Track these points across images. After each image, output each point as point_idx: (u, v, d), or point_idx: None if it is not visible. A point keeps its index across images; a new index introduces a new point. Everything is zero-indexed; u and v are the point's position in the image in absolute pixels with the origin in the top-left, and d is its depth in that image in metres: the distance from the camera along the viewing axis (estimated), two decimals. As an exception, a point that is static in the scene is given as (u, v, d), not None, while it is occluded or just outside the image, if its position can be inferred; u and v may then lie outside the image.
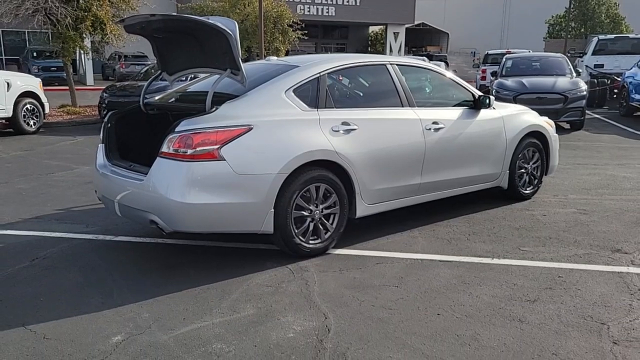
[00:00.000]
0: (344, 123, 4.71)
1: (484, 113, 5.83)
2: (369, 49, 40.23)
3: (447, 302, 3.75)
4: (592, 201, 6.29)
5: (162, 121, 5.29)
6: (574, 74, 12.97)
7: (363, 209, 4.88)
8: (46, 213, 6.11)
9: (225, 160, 4.11)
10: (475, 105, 5.80)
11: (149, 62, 30.27)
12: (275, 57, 5.60)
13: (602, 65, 18.29)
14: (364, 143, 4.78)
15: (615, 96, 16.64)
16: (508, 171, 6.08)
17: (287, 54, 20.36)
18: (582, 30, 35.66)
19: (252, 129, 4.24)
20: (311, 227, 4.57)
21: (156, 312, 3.65)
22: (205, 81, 5.55)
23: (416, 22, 41.02)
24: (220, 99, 4.38)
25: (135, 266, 4.53)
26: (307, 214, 4.53)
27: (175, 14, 4.69)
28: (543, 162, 6.49)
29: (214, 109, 4.27)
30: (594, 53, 18.84)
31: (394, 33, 37.49)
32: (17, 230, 5.50)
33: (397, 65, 5.37)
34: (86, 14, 14.95)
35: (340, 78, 5.24)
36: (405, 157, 5.11)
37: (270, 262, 4.49)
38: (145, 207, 4.25)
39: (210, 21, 4.25)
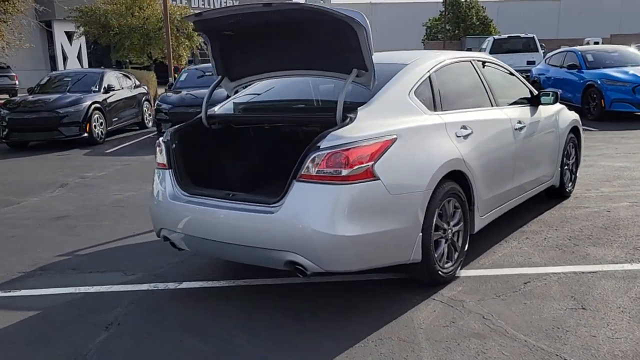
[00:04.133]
0: (463, 127, 4.15)
1: (543, 110, 5.55)
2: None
3: (664, 321, 3.34)
4: (629, 193, 6.28)
5: (232, 136, 4.37)
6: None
7: (478, 222, 4.35)
8: (49, 262, 4.83)
9: (379, 179, 3.37)
10: (533, 101, 5.50)
11: (12, 73, 26.87)
12: None
13: (498, 63, 19.24)
14: (478, 148, 4.26)
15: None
16: (559, 169, 5.88)
17: (190, 62, 19.07)
18: (457, 32, 37.89)
19: (396, 139, 3.53)
20: (445, 250, 3.95)
21: (358, 380, 2.84)
22: (255, 87, 4.65)
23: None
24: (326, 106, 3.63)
25: (245, 317, 3.61)
26: (442, 234, 3.91)
27: (294, 1, 3.78)
28: (578, 157, 6.40)
29: (347, 118, 3.50)
30: (491, 52, 19.81)
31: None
32: (38, 289, 4.24)
33: (477, 61, 4.92)
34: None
35: None
36: (505, 161, 4.68)
37: (406, 294, 3.80)
38: (279, 246, 3.36)
39: (340, 12, 3.47)
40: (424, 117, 3.89)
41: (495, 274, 4.15)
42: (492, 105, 4.75)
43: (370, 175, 3.33)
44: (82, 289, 4.19)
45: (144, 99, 14.91)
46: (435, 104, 4.08)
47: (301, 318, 3.59)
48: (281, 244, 3.35)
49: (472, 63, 4.80)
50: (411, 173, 3.60)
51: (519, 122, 4.94)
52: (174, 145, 4.03)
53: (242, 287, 4.14)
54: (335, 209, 3.26)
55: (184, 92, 12.30)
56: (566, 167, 6.08)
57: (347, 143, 3.31)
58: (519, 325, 3.35)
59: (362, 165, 3.30)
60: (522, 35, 20.51)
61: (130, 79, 14.88)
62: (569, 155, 6.15)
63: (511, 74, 5.48)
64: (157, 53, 16.50)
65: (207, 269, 4.53)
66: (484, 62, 4.99)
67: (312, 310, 3.69)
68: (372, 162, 3.34)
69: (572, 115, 6.22)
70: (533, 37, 20.00)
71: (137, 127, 14.77)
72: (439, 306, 3.65)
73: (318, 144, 3.33)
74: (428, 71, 4.16)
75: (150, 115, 15.22)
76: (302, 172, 3.32)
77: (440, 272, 3.88)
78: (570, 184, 6.25)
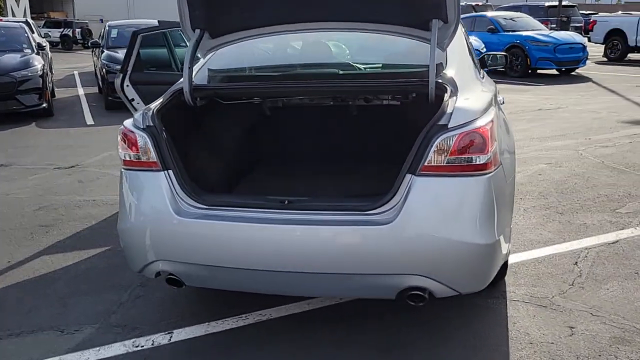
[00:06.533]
0: (498, 94, 3.56)
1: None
2: (-20, 15, 32.91)
3: None
4: (532, 154, 6.41)
5: (232, 116, 3.12)
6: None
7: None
8: None
9: (501, 163, 2.60)
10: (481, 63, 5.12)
11: None
12: None
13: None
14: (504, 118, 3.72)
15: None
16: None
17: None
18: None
19: (494, 111, 2.77)
20: (505, 239, 3.36)
21: None
22: (233, 50, 3.37)
23: (33, -16, 35.37)
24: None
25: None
26: (503, 221, 3.30)
27: None
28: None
29: (448, 88, 2.62)
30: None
31: (14, -5, 31.57)
32: None
33: None
34: None
35: None
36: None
37: (473, 298, 3.14)
38: (395, 268, 2.37)
39: None
40: (487, 85, 3.21)
41: (531, 257, 3.71)
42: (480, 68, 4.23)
43: (497, 160, 2.53)
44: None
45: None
46: (477, 67, 3.40)
47: (387, 352, 2.67)
48: (399, 265, 2.37)
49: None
50: (509, 152, 2.90)
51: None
52: (164, 134, 2.66)
53: (261, 323, 3.00)
54: (477, 210, 2.39)
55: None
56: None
57: (477, 119, 2.45)
58: (637, 318, 2.94)
59: (495, 146, 2.48)
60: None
61: None
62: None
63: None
64: None
65: (182, 304, 3.24)
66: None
67: (382, 340, 2.79)
68: (496, 143, 2.55)
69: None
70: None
71: None
72: (530, 308, 3.05)
73: (442, 123, 2.40)
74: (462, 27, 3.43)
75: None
76: (425, 163, 2.37)
77: (506, 265, 3.28)
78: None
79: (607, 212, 4.50)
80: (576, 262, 3.61)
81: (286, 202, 2.52)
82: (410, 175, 2.37)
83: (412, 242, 2.34)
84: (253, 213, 2.52)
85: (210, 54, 3.26)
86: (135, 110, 4.58)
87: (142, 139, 2.65)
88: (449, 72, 2.78)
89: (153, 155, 2.61)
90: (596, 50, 18.23)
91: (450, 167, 2.36)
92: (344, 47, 3.66)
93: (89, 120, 9.38)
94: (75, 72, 17.05)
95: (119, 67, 10.15)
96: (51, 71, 14.61)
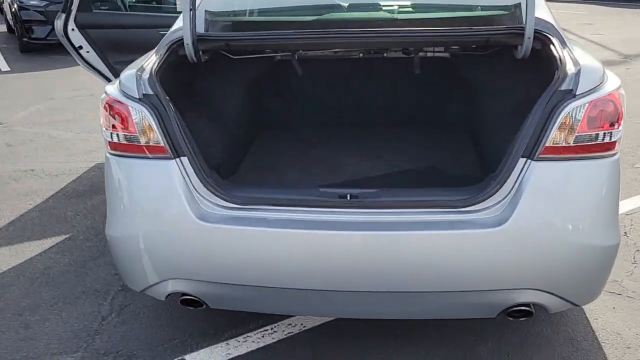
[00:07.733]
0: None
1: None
2: None
3: None
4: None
5: (222, 73, 2.40)
6: None
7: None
8: None
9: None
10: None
11: None
12: None
13: None
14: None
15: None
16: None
17: None
18: None
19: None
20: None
21: None
22: None
23: None
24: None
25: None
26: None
27: None
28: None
29: (550, 37, 2.01)
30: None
31: None
32: None
33: None
34: None
35: None
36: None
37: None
38: (505, 282, 1.80)
39: None
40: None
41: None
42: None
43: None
44: None
45: None
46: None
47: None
48: (512, 278, 1.79)
49: None
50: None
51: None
52: (171, 106, 1.91)
53: (293, 337, 2.40)
54: (606, 203, 1.83)
55: None
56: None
57: (605, 82, 1.86)
58: None
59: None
60: None
61: None
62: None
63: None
64: None
65: (184, 316, 2.57)
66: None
67: (447, 353, 2.27)
68: (618, 111, 1.98)
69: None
70: None
71: None
72: (605, 298, 2.60)
73: (566, 87, 1.78)
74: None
75: None
76: (547, 144, 1.77)
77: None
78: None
79: (625, 167, 4.14)
80: (625, 233, 3.20)
81: (348, 196, 1.87)
82: (526, 159, 1.77)
83: (532, 249, 1.77)
84: (303, 214, 1.85)
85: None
86: (84, 60, 3.68)
87: (139, 113, 1.89)
88: (543, 17, 2.15)
89: (158, 137, 1.87)
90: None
91: (578, 147, 1.78)
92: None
93: (4, 66, 8.10)
94: (-25, 8, 14.96)
95: (33, 2, 8.88)
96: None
